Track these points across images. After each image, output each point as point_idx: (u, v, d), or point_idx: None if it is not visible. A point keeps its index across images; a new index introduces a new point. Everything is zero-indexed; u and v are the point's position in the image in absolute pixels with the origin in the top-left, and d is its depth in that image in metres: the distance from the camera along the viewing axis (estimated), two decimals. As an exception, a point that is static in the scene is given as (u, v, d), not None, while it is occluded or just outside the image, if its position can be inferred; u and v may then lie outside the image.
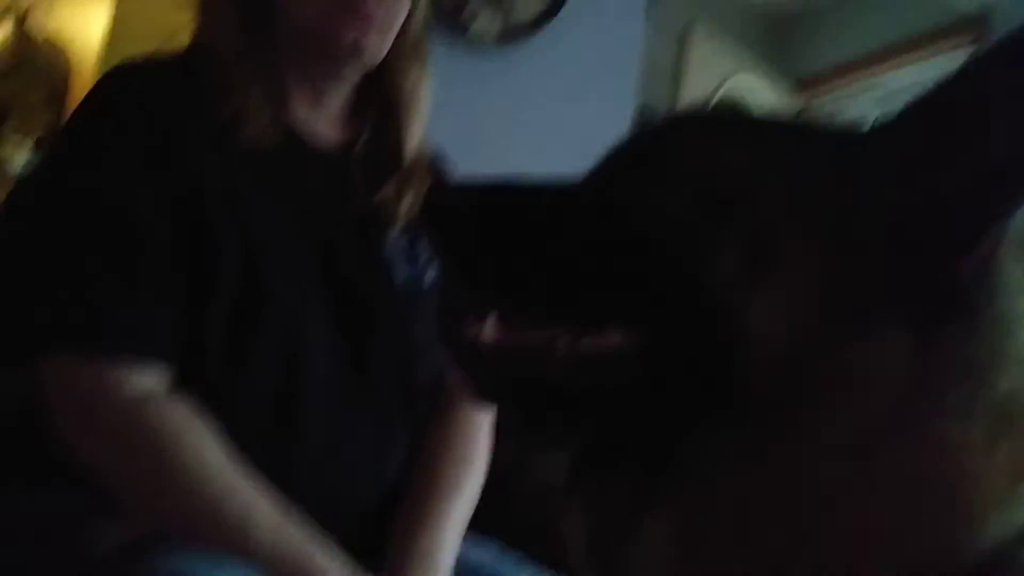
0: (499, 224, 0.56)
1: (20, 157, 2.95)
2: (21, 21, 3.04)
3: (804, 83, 3.75)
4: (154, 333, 0.91)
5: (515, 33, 2.10)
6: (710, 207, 0.53)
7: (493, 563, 1.06)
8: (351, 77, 1.09)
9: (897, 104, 0.53)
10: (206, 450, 0.89)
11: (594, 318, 0.54)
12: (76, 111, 1.01)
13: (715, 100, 0.60)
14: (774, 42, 3.85)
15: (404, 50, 1.11)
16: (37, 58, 3.03)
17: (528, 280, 0.54)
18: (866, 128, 0.56)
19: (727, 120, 0.59)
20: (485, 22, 2.07)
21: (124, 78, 1.00)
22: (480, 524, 1.09)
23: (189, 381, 0.93)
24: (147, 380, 0.90)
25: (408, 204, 1.08)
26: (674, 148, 0.57)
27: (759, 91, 3.61)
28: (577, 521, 0.58)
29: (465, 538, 1.05)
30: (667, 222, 0.53)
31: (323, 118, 1.09)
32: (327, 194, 1.07)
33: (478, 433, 1.11)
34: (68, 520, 0.92)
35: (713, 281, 0.51)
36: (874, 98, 3.53)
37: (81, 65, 3.03)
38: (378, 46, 1.05)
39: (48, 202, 0.96)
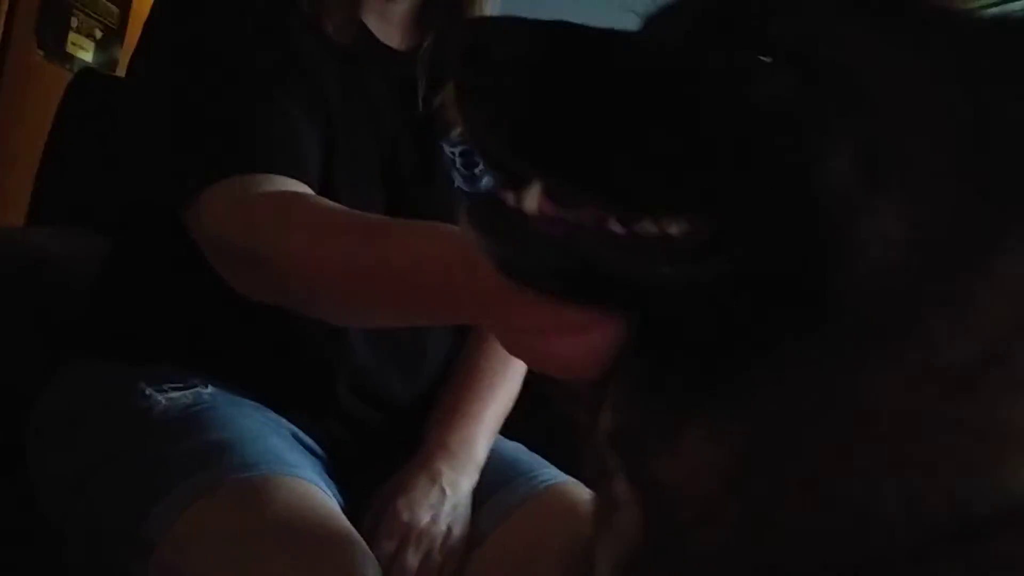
0: (551, 73, 0.46)
1: (84, 53, 2.99)
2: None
3: None
4: (296, 154, 0.92)
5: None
6: (821, 90, 0.45)
7: (523, 457, 1.10)
8: None
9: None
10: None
11: (657, 200, 0.46)
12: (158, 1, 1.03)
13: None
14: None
15: None
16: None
17: (581, 147, 0.46)
18: (1014, 19, 0.48)
19: None
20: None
21: None
22: (509, 426, 1.12)
23: None
24: (290, 185, 0.89)
25: None
26: (775, 10, 0.48)
27: None
28: (603, 423, 0.54)
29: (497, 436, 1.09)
30: (764, 98, 0.45)
31: (391, 23, 1.10)
32: (393, 94, 1.08)
33: None
34: (121, 388, 0.97)
35: (822, 176, 0.44)
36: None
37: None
38: None
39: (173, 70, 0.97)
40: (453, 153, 1.11)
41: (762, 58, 0.46)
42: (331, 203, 0.85)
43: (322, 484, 0.91)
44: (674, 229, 0.46)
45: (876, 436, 0.46)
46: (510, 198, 0.48)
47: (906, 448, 0.45)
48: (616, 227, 0.47)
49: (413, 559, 0.95)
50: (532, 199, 0.48)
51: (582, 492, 1.01)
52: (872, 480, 0.46)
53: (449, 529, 0.98)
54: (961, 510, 0.46)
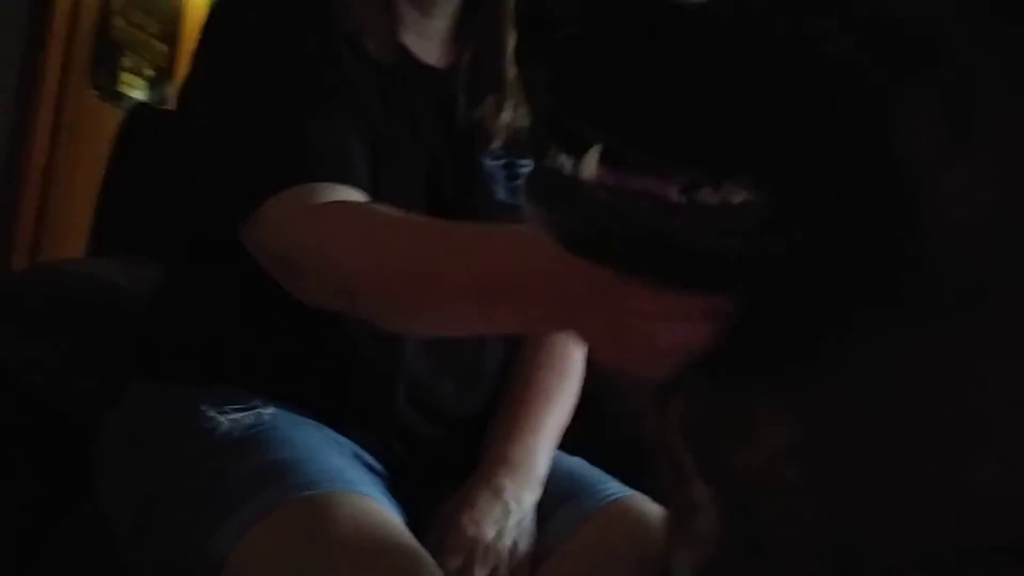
0: (614, 31, 0.45)
1: (136, 92, 3.05)
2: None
3: None
4: (349, 164, 0.94)
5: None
6: (894, 47, 0.43)
7: (587, 472, 1.08)
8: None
9: None
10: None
11: (718, 166, 0.45)
12: (204, 32, 1.05)
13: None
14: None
15: None
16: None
17: (642, 107, 0.44)
18: None
19: None
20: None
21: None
22: (570, 443, 1.11)
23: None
24: (348, 194, 0.90)
25: (507, 120, 1.10)
26: None
27: None
28: (673, 420, 0.51)
29: (556, 450, 1.08)
30: (835, 58, 0.43)
31: (430, 40, 1.11)
32: (433, 110, 1.09)
33: (574, 346, 1.13)
34: (184, 410, 0.98)
35: (900, 137, 0.42)
36: None
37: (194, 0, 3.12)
38: None
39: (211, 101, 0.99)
40: (494, 167, 1.11)
41: (830, 18, 0.44)
42: (398, 211, 0.85)
43: (384, 500, 0.91)
44: (736, 199, 0.45)
45: (967, 412, 0.43)
46: (567, 166, 0.48)
47: (1002, 426, 0.42)
48: (676, 197, 0.45)
49: (480, 574, 0.94)
50: (589, 165, 0.47)
51: (648, 505, 1.00)
52: (963, 463, 0.43)
53: (515, 544, 0.97)
54: None
